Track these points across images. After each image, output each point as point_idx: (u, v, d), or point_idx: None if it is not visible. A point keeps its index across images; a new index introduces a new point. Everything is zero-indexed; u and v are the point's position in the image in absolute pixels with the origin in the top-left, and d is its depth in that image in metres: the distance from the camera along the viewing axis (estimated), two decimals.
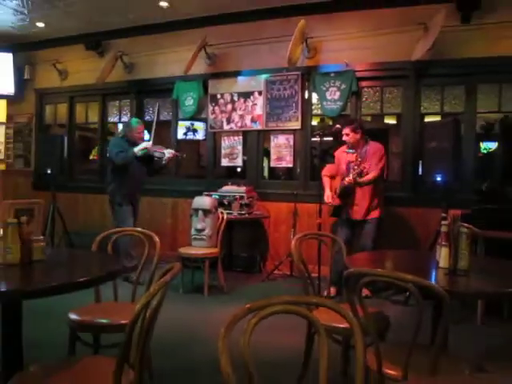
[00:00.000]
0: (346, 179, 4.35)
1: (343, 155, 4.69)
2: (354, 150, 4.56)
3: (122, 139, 5.15)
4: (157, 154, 5.05)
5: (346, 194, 4.51)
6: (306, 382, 2.60)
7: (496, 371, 1.85)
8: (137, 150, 4.91)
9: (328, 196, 4.68)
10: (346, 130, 4.56)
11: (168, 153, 5.06)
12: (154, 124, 5.29)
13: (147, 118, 6.77)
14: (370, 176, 4.38)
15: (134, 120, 5.28)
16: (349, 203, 4.55)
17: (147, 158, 5.05)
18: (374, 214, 4.53)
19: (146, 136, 5.52)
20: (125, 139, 5.10)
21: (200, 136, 6.53)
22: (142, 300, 1.56)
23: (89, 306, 2.62)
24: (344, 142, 4.71)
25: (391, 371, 1.82)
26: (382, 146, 4.63)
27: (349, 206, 4.56)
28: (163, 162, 5.10)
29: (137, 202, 5.23)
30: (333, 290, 4.44)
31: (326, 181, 4.77)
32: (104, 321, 2.41)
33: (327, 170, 4.85)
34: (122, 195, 5.06)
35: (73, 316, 2.40)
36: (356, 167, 4.31)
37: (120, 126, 7.51)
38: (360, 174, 4.28)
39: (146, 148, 4.93)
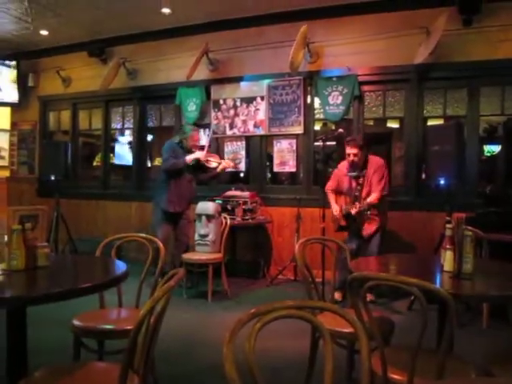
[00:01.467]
0: (353, 211, 4.30)
1: (345, 178, 4.59)
2: (355, 174, 4.49)
3: (176, 144, 4.97)
4: (211, 165, 4.98)
5: (351, 217, 4.45)
6: None
7: (503, 375, 1.84)
8: (188, 158, 4.82)
9: (336, 210, 4.60)
10: (355, 150, 4.39)
11: (224, 162, 5.03)
12: (210, 138, 5.18)
13: (150, 124, 6.80)
14: (373, 198, 4.32)
15: (188, 127, 5.14)
16: (357, 223, 4.49)
17: (199, 167, 4.96)
18: (378, 226, 4.48)
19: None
20: (180, 145, 4.96)
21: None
22: (147, 305, 1.56)
23: (93, 312, 2.62)
24: (338, 157, 4.69)
25: (397, 376, 1.81)
26: (383, 162, 4.55)
27: (357, 225, 4.50)
28: (217, 171, 5.03)
29: (182, 218, 5.00)
30: (338, 295, 4.43)
31: (331, 196, 4.68)
32: (108, 327, 2.41)
33: (330, 185, 4.73)
34: (160, 206, 4.91)
35: (77, 322, 2.40)
36: (358, 193, 4.34)
37: (126, 132, 7.54)
38: (368, 209, 4.24)
39: (198, 158, 4.85)
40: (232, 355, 1.14)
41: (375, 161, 4.52)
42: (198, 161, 4.89)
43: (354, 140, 4.49)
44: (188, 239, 5.05)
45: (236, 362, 1.14)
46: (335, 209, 4.60)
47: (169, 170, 4.84)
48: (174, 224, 4.97)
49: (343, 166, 4.67)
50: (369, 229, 4.47)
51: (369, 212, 4.27)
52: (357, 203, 4.31)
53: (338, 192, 4.68)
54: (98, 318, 2.52)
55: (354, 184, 4.53)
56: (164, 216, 4.89)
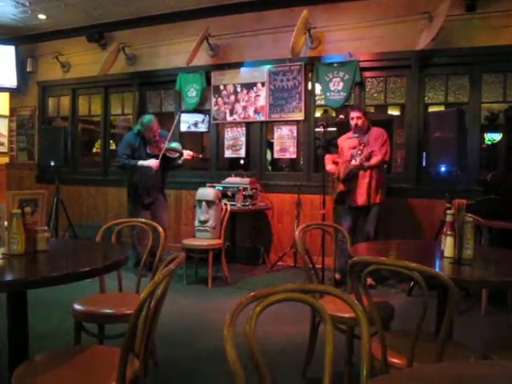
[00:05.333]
0: (353, 162, 4.36)
1: (346, 142, 4.69)
2: (357, 135, 4.59)
3: (136, 136, 4.99)
4: (173, 156, 4.98)
5: (350, 180, 4.51)
6: (311, 369, 2.62)
7: (501, 359, 1.85)
8: (140, 163, 4.85)
9: (331, 168, 4.70)
10: (359, 114, 4.57)
11: (185, 154, 5.00)
12: (171, 133, 5.09)
13: (150, 110, 6.75)
14: (375, 160, 4.39)
15: (147, 118, 5.01)
16: (352, 189, 4.54)
17: (167, 160, 4.98)
18: (376, 199, 4.53)
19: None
20: (140, 135, 4.98)
21: (203, 128, 6.51)
22: (147, 288, 1.56)
23: (93, 297, 2.64)
24: (346, 130, 4.72)
25: (396, 360, 1.82)
26: (385, 131, 4.65)
27: (352, 191, 4.55)
28: (179, 162, 5.04)
29: (156, 203, 5.07)
30: (338, 276, 4.46)
31: (327, 162, 4.79)
32: (109, 311, 2.42)
33: (330, 157, 4.85)
34: (133, 195, 5.05)
35: (78, 306, 2.42)
36: (360, 151, 4.33)
37: (121, 118, 7.50)
38: (367, 158, 4.30)
39: (150, 166, 4.83)
40: (232, 337, 1.14)
41: (376, 130, 4.64)
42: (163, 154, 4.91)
43: (357, 106, 4.76)
44: (164, 223, 4.85)
45: (237, 347, 1.14)
46: (330, 167, 4.72)
47: (122, 166, 4.96)
48: (149, 212, 5.04)
49: (342, 138, 4.81)
50: (362, 197, 4.50)
51: (366, 164, 4.34)
52: (357, 157, 4.38)
53: (336, 163, 4.77)
54: (98, 302, 2.53)
55: (355, 145, 4.57)
56: (137, 206, 5.01)
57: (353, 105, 4.87)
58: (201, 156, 5.46)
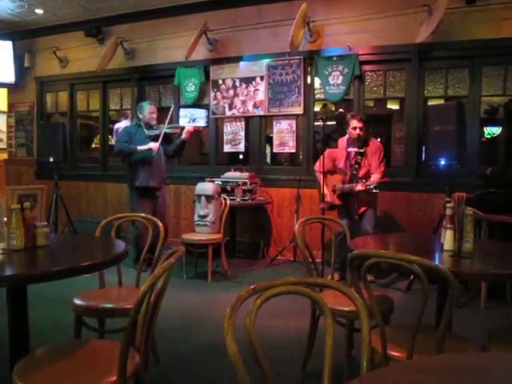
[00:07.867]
0: (356, 188, 4.29)
1: (340, 153, 4.58)
2: (352, 148, 4.49)
3: (135, 126, 5.11)
4: (174, 132, 5.03)
5: (346, 194, 4.47)
6: (311, 362, 2.62)
7: (500, 351, 1.85)
8: (140, 148, 4.85)
9: (327, 194, 4.55)
10: (361, 124, 4.40)
11: (187, 127, 5.00)
12: (170, 114, 5.05)
13: None
14: (377, 179, 4.30)
15: (145, 102, 5.27)
16: (350, 202, 4.48)
17: (167, 139, 5.00)
18: (373, 205, 4.51)
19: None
20: (138, 125, 5.05)
21: (200, 123, 6.46)
22: (147, 282, 1.56)
23: (94, 291, 2.64)
24: (338, 137, 4.67)
25: (396, 352, 1.83)
26: (381, 145, 4.60)
27: (350, 205, 4.49)
28: (182, 138, 4.98)
29: (159, 196, 5.03)
30: (336, 276, 4.45)
31: (321, 178, 4.56)
32: (109, 305, 2.42)
33: (320, 165, 4.53)
34: (134, 185, 4.99)
35: (78, 301, 2.42)
36: (356, 171, 4.36)
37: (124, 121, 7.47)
38: (376, 187, 4.21)
39: (150, 149, 4.83)
40: (233, 330, 1.14)
41: (374, 142, 4.55)
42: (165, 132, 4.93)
43: (359, 115, 4.58)
44: (165, 219, 4.82)
45: (237, 339, 1.14)
46: (326, 193, 4.54)
47: (116, 152, 5.12)
48: (151, 203, 4.98)
49: (342, 142, 4.65)
50: (360, 209, 4.50)
51: (376, 190, 4.25)
52: (363, 181, 4.30)
53: (329, 172, 4.62)
54: (98, 296, 2.53)
55: (352, 161, 4.51)
56: (140, 194, 4.96)
57: (353, 113, 4.61)
58: (202, 128, 5.43)
